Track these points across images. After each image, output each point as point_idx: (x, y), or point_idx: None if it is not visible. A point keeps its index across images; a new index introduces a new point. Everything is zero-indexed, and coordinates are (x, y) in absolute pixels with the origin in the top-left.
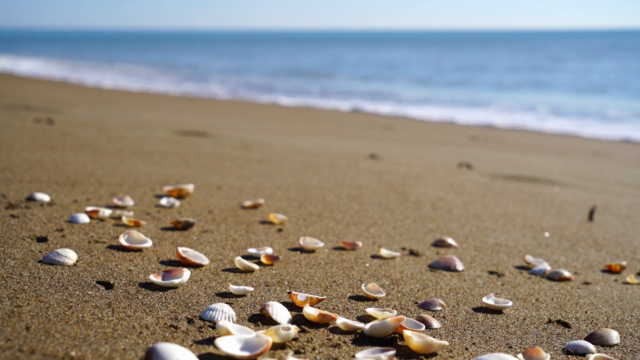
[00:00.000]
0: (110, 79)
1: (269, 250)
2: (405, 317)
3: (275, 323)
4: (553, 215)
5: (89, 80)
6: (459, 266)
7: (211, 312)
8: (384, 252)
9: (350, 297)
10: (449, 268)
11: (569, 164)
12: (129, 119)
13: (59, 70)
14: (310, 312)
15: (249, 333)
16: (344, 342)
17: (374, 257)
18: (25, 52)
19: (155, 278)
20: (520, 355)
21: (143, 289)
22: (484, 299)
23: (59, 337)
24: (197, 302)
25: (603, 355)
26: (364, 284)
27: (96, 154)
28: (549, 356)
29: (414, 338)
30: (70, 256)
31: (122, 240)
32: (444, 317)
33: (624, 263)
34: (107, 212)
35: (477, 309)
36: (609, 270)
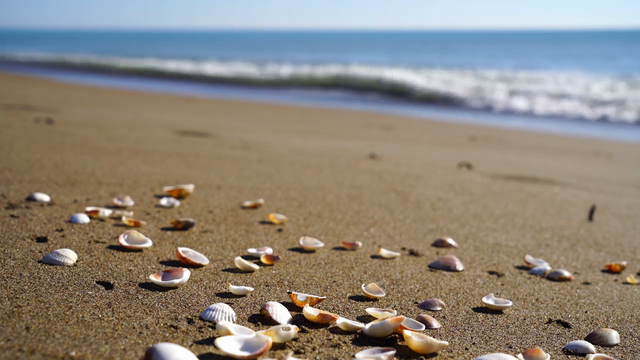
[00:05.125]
0: None
1: (269, 250)
2: (405, 317)
3: (275, 323)
4: (553, 215)
5: None
6: (459, 266)
7: (211, 312)
8: (384, 252)
9: (350, 297)
10: (449, 268)
11: (569, 164)
12: (129, 119)
13: None
14: (310, 312)
15: (249, 333)
16: (344, 342)
17: (374, 257)
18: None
19: (155, 278)
20: (520, 355)
21: (143, 289)
22: (484, 299)
23: (59, 337)
24: (197, 302)
25: (603, 355)
26: (364, 284)
27: (96, 154)
28: (549, 356)
29: (414, 338)
30: (70, 256)
31: (122, 241)
32: (444, 317)
33: (624, 263)
34: (107, 212)
35: (477, 309)
36: (609, 270)
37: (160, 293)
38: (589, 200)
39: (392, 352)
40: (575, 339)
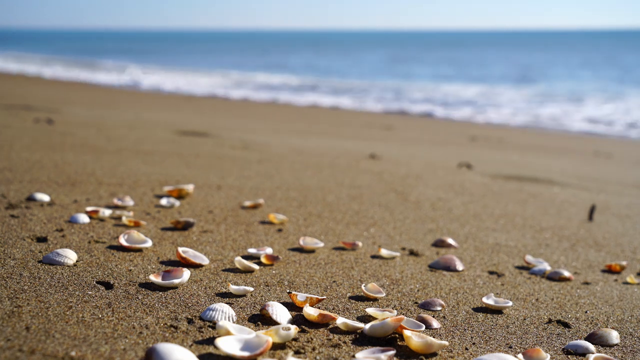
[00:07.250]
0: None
1: (269, 250)
2: (405, 317)
3: (275, 323)
4: (553, 215)
5: None
6: (459, 266)
7: (211, 312)
8: (384, 252)
9: (350, 297)
10: (449, 268)
11: (569, 164)
12: (129, 119)
13: None
14: (310, 312)
15: (249, 333)
16: (344, 342)
17: (374, 257)
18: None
19: (155, 278)
20: (520, 355)
21: (143, 289)
22: (484, 299)
23: (59, 337)
24: (197, 302)
25: (603, 355)
26: (364, 284)
27: (96, 154)
28: (549, 356)
29: (414, 338)
30: (70, 256)
31: (122, 241)
32: (444, 317)
33: (624, 263)
34: (107, 212)
35: (477, 309)
36: (609, 270)
37: (160, 293)
38: (589, 200)
39: (392, 352)
40: (575, 339)
